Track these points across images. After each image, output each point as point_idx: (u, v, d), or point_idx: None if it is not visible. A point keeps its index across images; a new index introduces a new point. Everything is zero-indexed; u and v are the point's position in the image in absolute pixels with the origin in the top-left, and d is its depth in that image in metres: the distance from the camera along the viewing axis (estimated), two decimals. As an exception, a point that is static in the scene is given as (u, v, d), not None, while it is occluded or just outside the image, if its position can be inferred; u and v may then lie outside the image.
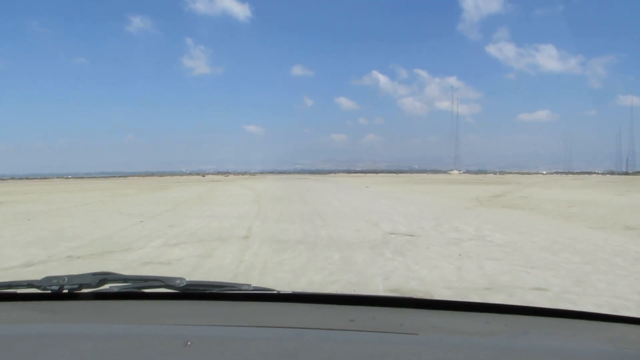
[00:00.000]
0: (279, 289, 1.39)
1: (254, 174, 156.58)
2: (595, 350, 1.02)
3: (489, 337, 1.13)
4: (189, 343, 0.92)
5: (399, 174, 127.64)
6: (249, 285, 1.37)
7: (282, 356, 0.92)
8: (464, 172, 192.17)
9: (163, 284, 1.35)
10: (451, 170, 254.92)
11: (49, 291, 1.32)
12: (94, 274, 1.36)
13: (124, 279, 1.42)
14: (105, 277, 1.36)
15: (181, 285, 1.33)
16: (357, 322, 1.14)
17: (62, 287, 1.31)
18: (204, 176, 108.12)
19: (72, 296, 1.34)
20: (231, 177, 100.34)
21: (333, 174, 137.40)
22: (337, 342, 1.00)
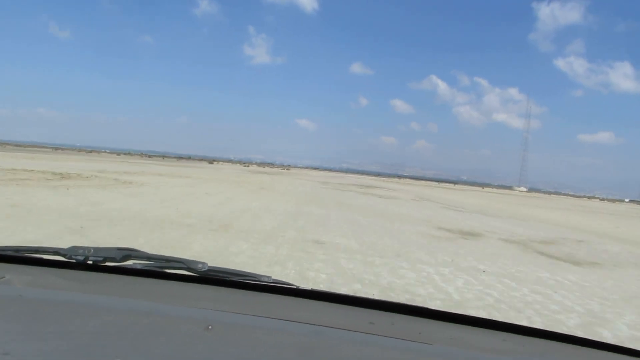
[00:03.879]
0: (297, 285, 1.38)
1: (288, 167, 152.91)
2: None
3: (504, 356, 1.10)
4: (210, 327, 0.94)
5: (456, 185, 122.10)
6: (269, 277, 1.37)
7: (301, 351, 0.91)
8: (527, 190, 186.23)
9: (185, 266, 1.36)
10: (517, 186, 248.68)
11: (74, 260, 1.35)
12: (119, 249, 1.38)
13: (148, 257, 1.41)
14: (129, 254, 1.38)
15: (203, 269, 1.34)
16: (376, 325, 1.13)
17: (87, 258, 1.34)
18: (247, 166, 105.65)
19: (96, 268, 1.36)
20: (252, 167, 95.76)
21: (383, 178, 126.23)
22: (356, 344, 0.99)
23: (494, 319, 1.28)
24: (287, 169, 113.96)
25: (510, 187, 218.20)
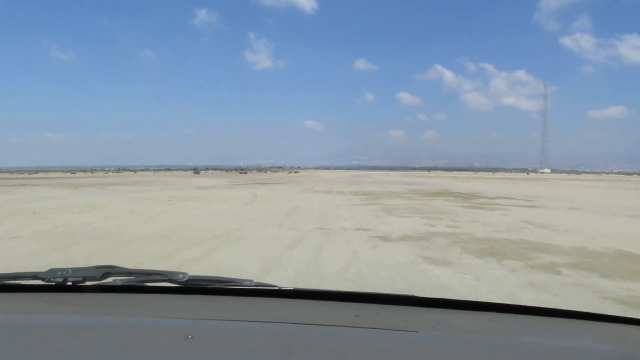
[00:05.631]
0: (280, 286, 1.39)
1: (296, 170, 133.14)
2: (598, 351, 1.02)
3: (491, 335, 1.11)
4: (189, 337, 0.94)
5: (477, 173, 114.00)
6: (250, 280, 1.38)
7: (282, 351, 0.91)
8: (550, 172, 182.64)
9: (166, 278, 1.36)
10: (540, 168, 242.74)
11: (53, 283, 1.33)
12: (98, 267, 1.37)
13: (128, 272, 1.41)
14: (108, 271, 1.37)
15: (184, 279, 1.34)
16: (361, 318, 1.14)
17: (66, 280, 1.33)
18: (244, 173, 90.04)
19: (76, 288, 1.35)
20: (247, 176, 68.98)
21: (407, 173, 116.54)
22: (338, 338, 1.00)
23: (480, 301, 1.29)
24: (295, 172, 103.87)
25: (533, 170, 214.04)
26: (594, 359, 0.94)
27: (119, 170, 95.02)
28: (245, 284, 1.37)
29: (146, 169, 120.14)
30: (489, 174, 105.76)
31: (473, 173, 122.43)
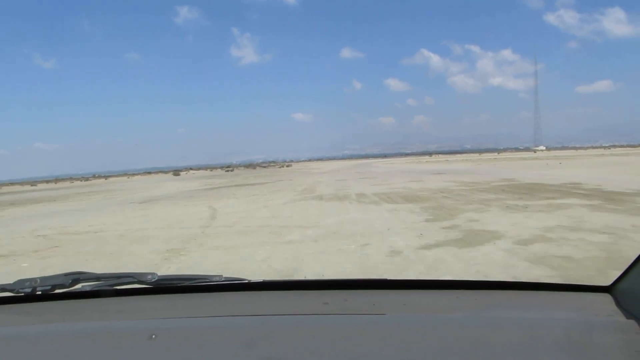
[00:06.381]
0: (250, 279, 1.37)
1: (289, 163, 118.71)
2: (563, 320, 1.03)
3: (457, 312, 1.12)
4: (153, 336, 0.93)
5: (480, 155, 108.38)
6: (220, 276, 1.37)
7: (245, 344, 0.91)
8: (545, 149, 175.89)
9: (135, 280, 1.35)
10: (536, 146, 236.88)
11: (22, 294, 1.31)
12: (66, 274, 1.35)
13: (97, 277, 1.40)
14: (77, 277, 1.36)
15: (153, 280, 1.33)
16: (330, 305, 1.14)
17: (34, 289, 1.31)
18: (230, 170, 79.64)
19: (46, 297, 1.34)
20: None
21: (404, 158, 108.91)
22: (308, 326, 1.00)
23: (447, 279, 1.27)
24: (287, 166, 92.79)
25: (526, 149, 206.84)
26: (558, 328, 0.94)
27: (88, 178, 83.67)
28: (214, 279, 1.35)
29: (125, 174, 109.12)
30: (507, 155, 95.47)
31: (495, 154, 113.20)
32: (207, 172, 76.40)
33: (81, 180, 74.93)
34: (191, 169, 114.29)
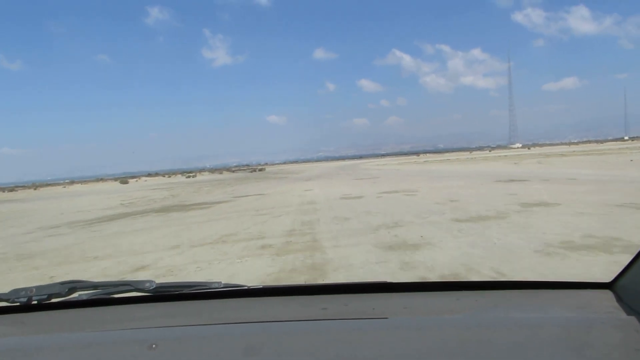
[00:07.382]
0: (249, 285, 1.36)
1: (262, 167, 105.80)
2: (563, 318, 1.03)
3: (458, 314, 1.11)
4: (153, 346, 0.91)
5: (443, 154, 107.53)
6: (219, 282, 1.36)
7: (246, 351, 0.90)
8: (522, 146, 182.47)
9: (132, 288, 1.34)
10: (512, 144, 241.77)
11: (17, 303, 1.29)
12: (62, 283, 1.33)
13: (94, 285, 1.39)
14: (74, 286, 1.34)
15: (151, 287, 1.31)
16: (329, 310, 1.13)
17: (30, 299, 1.29)
18: (192, 177, 69.48)
19: (42, 307, 1.32)
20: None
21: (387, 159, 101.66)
22: (307, 333, 0.98)
23: (447, 280, 1.27)
24: (260, 169, 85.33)
25: (499, 147, 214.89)
26: (559, 327, 0.94)
27: (13, 188, 67.92)
28: (213, 286, 1.34)
29: (72, 181, 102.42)
30: (495, 154, 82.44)
31: (487, 152, 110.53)
32: (163, 180, 65.11)
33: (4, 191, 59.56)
34: (149, 174, 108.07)
